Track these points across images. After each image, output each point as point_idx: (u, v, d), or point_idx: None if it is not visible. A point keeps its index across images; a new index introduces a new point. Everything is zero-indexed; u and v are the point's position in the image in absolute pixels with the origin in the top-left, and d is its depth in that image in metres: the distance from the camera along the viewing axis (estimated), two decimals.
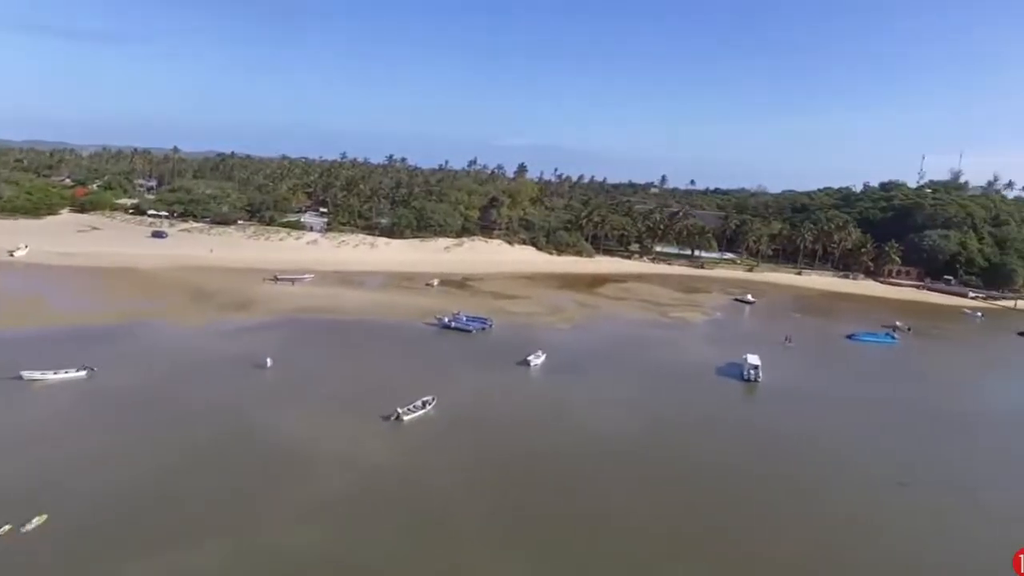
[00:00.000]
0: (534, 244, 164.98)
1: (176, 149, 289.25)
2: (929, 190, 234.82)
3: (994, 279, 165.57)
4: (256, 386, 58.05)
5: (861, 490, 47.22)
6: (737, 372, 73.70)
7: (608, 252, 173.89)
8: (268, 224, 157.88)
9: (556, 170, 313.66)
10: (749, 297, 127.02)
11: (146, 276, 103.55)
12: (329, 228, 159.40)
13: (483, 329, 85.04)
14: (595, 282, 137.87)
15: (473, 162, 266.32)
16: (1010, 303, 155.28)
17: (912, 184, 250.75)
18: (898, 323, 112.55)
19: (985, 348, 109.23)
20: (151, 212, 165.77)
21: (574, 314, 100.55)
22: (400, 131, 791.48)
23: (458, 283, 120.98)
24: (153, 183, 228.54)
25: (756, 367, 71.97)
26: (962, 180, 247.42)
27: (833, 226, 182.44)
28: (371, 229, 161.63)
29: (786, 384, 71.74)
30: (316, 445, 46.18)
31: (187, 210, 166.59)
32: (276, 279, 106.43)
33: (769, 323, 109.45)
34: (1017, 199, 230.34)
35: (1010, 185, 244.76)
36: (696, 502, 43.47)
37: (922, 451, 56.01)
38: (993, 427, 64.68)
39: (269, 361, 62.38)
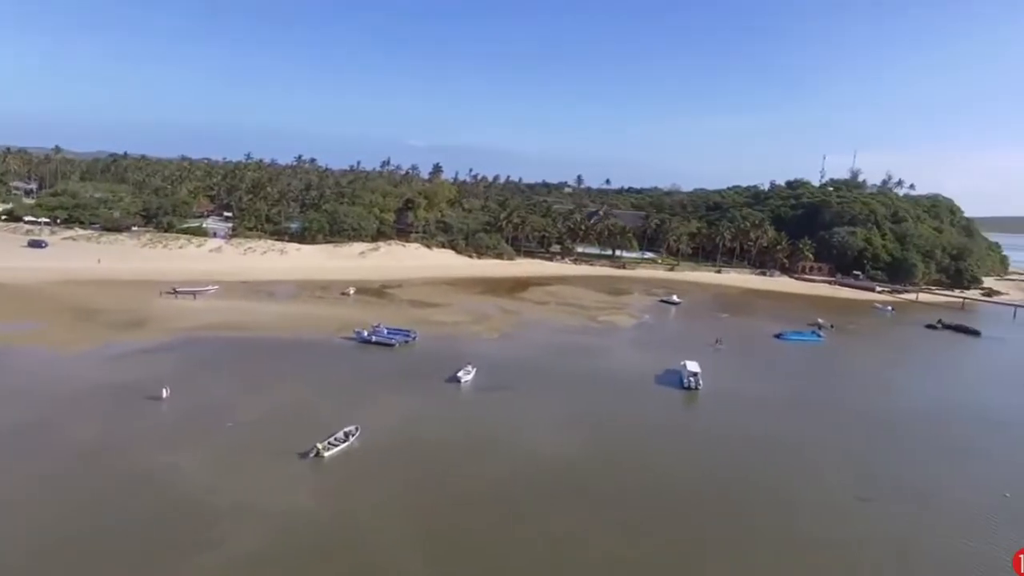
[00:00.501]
0: (453, 247, 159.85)
1: (58, 148, 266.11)
2: (832, 188, 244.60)
3: (897, 274, 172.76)
4: (150, 422, 50.48)
5: (830, 503, 44.88)
6: (676, 380, 71.18)
7: (529, 254, 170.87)
8: (166, 231, 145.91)
9: (471, 170, 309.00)
10: (675, 298, 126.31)
11: (20, 292, 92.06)
12: (234, 234, 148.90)
13: (406, 342, 79.33)
14: (518, 286, 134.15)
15: (386, 163, 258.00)
16: (912, 296, 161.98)
17: (816, 183, 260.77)
18: (820, 321, 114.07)
19: (901, 342, 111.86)
20: (28, 218, 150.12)
21: (501, 322, 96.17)
22: (308, 131, 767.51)
23: (376, 291, 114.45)
24: (33, 186, 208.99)
25: (696, 374, 69.61)
26: (861, 179, 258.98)
27: (749, 224, 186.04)
28: (280, 235, 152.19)
29: (726, 390, 69.66)
30: (223, 494, 39.61)
31: (72, 216, 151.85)
32: (175, 292, 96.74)
33: (697, 324, 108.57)
34: (907, 196, 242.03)
35: (900, 183, 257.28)
36: (652, 526, 39.80)
37: (877, 457, 54.34)
38: (933, 425, 64.39)
39: (166, 391, 54.65)
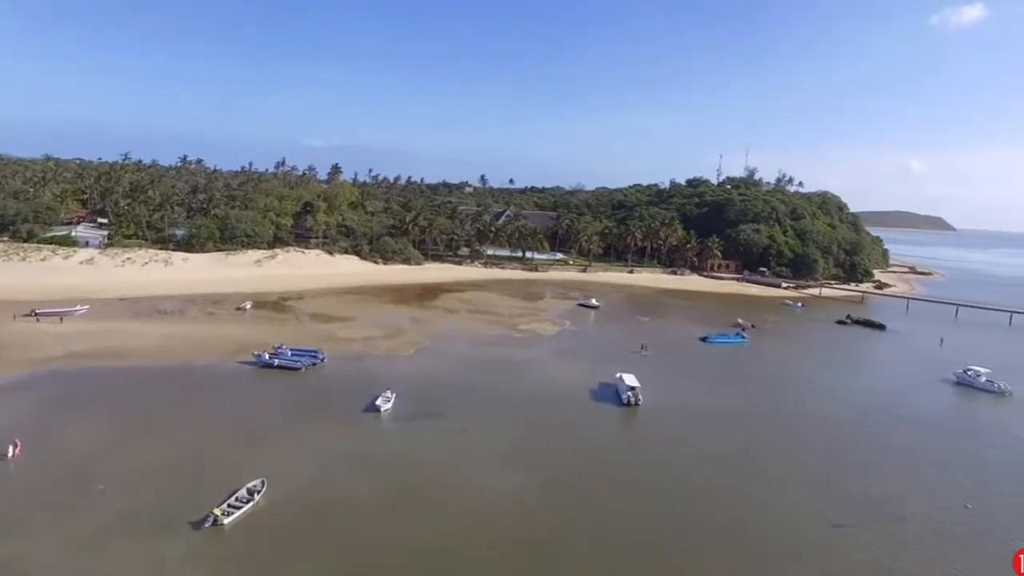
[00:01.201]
0: (357, 253, 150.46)
1: None
2: (730, 186, 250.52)
3: (800, 269, 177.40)
4: None
5: (804, 536, 40.82)
6: (613, 395, 66.59)
7: (437, 258, 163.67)
8: (26, 240, 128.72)
9: (371, 171, 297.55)
10: (593, 301, 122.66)
11: None
12: (110, 243, 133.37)
13: (314, 364, 70.77)
14: (429, 293, 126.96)
15: (281, 163, 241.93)
16: (816, 291, 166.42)
17: (714, 181, 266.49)
18: (741, 321, 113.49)
19: (818, 340, 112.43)
20: None
21: (416, 335, 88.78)
22: (192, 130, 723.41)
23: (275, 304, 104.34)
24: None
25: (634, 388, 65.11)
26: (757, 177, 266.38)
27: (659, 224, 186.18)
28: (164, 243, 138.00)
29: (666, 404, 65.56)
30: None
31: None
32: (35, 315, 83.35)
33: (619, 329, 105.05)
34: (799, 194, 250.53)
35: (791, 181, 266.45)
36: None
37: (833, 471, 51.30)
38: (873, 430, 62.56)
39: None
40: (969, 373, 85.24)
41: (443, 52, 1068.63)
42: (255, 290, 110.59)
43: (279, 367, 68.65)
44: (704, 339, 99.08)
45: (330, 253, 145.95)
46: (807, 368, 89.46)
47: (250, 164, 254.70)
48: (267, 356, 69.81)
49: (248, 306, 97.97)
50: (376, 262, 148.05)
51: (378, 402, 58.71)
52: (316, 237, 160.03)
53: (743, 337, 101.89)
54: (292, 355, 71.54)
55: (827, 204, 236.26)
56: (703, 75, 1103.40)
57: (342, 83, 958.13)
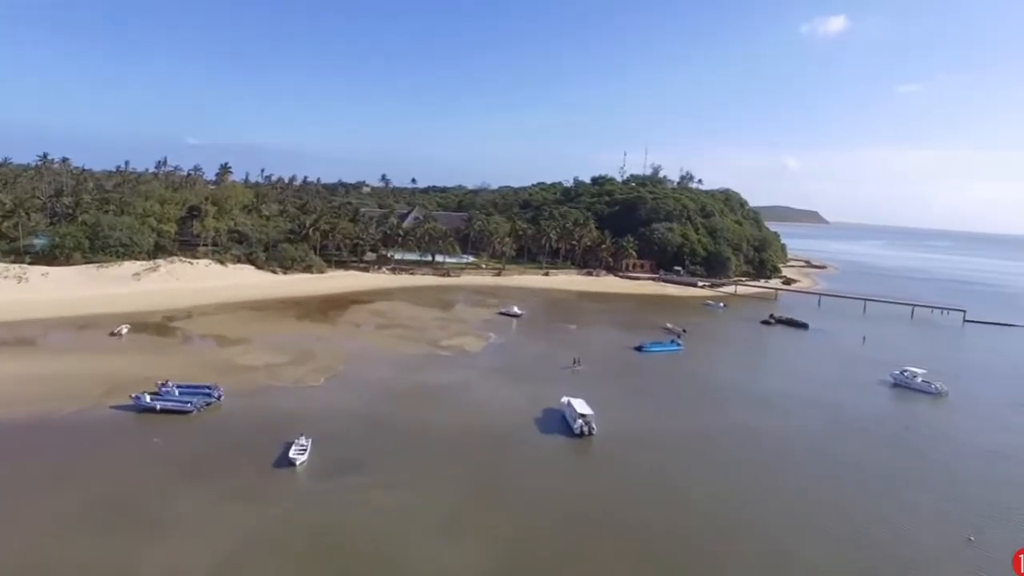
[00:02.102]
0: (253, 262, 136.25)
1: None
2: (634, 183, 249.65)
3: (714, 267, 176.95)
4: None
5: None
6: (562, 424, 59.26)
7: (341, 265, 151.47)
8: None
9: (263, 171, 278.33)
10: (515, 309, 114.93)
11: None
12: None
13: (208, 404, 59.21)
14: (336, 305, 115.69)
15: (163, 163, 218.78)
16: (731, 289, 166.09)
17: (619, 178, 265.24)
18: (670, 325, 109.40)
19: (749, 343, 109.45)
20: None
21: (327, 359, 78.02)
22: (61, 126, 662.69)
23: (158, 326, 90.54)
24: None
25: (586, 416, 57.81)
26: (661, 175, 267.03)
27: (573, 223, 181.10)
28: (19, 255, 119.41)
29: (620, 431, 58.68)
30: None
31: None
32: None
33: (547, 340, 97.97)
34: (700, 190, 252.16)
35: (691, 178, 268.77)
36: None
37: (821, 504, 45.90)
38: (840, 446, 58.26)
39: None
40: (906, 374, 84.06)
41: (335, 50, 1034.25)
42: (134, 309, 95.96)
43: (164, 411, 56.80)
44: (639, 348, 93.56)
45: (222, 263, 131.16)
46: (750, 377, 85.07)
47: (126, 164, 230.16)
48: (148, 398, 57.69)
49: (125, 330, 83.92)
50: (275, 271, 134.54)
51: (292, 453, 48.60)
52: (205, 245, 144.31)
53: (678, 344, 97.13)
54: (181, 394, 59.75)
55: (730, 201, 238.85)
56: (588, 76, 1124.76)
57: (227, 79, 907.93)
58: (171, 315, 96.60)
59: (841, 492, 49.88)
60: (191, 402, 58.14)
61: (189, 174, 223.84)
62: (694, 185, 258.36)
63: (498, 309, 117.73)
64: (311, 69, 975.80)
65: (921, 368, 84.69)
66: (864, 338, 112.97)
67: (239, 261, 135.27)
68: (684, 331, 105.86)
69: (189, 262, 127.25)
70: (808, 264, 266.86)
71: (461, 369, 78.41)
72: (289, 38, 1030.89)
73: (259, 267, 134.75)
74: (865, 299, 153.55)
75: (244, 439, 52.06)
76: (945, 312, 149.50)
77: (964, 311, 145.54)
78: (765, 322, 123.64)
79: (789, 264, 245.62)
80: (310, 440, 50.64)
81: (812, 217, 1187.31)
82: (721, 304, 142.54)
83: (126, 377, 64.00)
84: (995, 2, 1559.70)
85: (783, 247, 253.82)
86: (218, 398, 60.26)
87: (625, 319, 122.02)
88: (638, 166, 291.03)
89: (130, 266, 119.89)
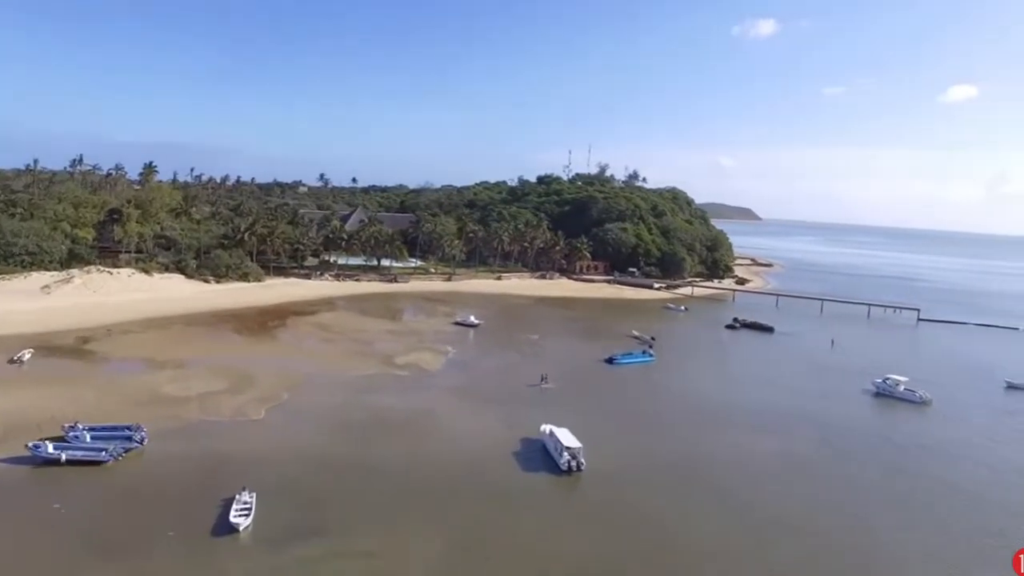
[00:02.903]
0: (182, 270, 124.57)
1: None
2: (581, 183, 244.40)
3: (669, 268, 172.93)
4: None
5: None
6: (544, 458, 52.32)
7: (280, 271, 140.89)
8: None
9: (193, 170, 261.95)
10: (472, 319, 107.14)
11: None
12: None
13: (127, 451, 49.41)
14: (276, 317, 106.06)
15: (78, 161, 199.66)
16: (688, 290, 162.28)
17: (564, 177, 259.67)
18: (637, 333, 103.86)
19: (718, 350, 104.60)
20: None
21: (269, 383, 68.74)
22: None
23: (71, 349, 79.27)
24: None
25: (572, 450, 50.82)
26: (608, 173, 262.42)
27: (525, 224, 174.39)
28: None
29: (610, 464, 51.91)
30: None
31: None
32: None
33: (510, 352, 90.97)
34: (646, 189, 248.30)
35: (637, 176, 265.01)
36: None
37: (851, 549, 40.18)
38: (844, 469, 53.10)
39: None
40: (888, 383, 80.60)
41: (263, 47, 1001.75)
42: (41, 329, 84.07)
43: (71, 462, 47.04)
44: (610, 360, 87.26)
45: (147, 272, 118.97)
46: (729, 390, 79.53)
47: (35, 162, 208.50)
48: (50, 447, 47.60)
49: (27, 355, 72.24)
50: (207, 281, 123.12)
51: (233, 515, 39.92)
52: (128, 251, 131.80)
53: (650, 355, 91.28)
54: (93, 439, 49.98)
55: (678, 200, 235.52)
56: (524, 74, 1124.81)
57: (154, 74, 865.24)
58: (86, 335, 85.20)
59: (867, 533, 44.25)
60: (106, 449, 48.35)
61: (110, 174, 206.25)
62: (639, 184, 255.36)
63: (453, 318, 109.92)
64: (243, 66, 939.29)
65: (902, 376, 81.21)
66: (832, 342, 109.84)
67: (167, 270, 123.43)
68: (653, 340, 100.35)
69: (109, 272, 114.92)
70: (755, 262, 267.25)
71: (421, 391, 70.36)
72: (224, 32, 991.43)
73: (189, 276, 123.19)
74: (822, 299, 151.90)
75: (173, 496, 43.10)
76: (898, 311, 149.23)
77: (918, 310, 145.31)
78: (730, 326, 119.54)
79: (737, 263, 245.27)
80: (254, 496, 42.07)
81: (746, 214, 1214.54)
82: (682, 307, 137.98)
83: (23, 418, 53.69)
84: (908, 9, 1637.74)
85: (730, 246, 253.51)
86: (140, 442, 50.63)
87: (587, 326, 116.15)
88: (581, 165, 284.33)
89: (38, 278, 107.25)
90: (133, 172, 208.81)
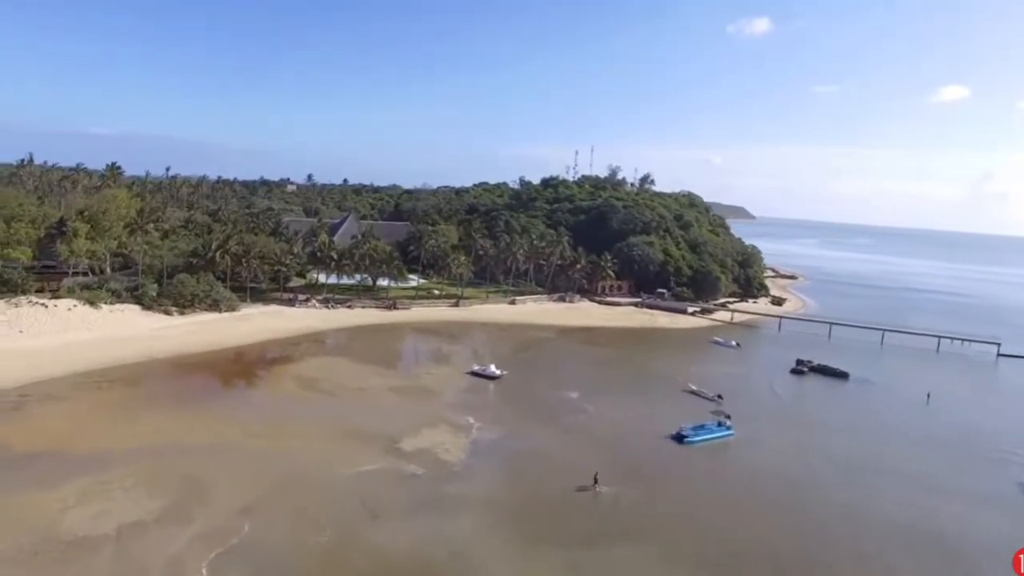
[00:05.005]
0: (138, 300, 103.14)
1: None
2: (589, 185, 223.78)
3: (702, 288, 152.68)
4: None
5: None
6: None
7: (259, 296, 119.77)
8: None
9: (169, 169, 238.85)
10: (492, 368, 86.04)
11: None
12: None
13: None
14: (252, 366, 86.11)
15: (27, 160, 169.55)
16: (725, 315, 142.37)
17: (570, 179, 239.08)
18: (694, 387, 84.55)
19: (801, 412, 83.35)
20: None
21: (227, 497, 47.90)
22: None
23: None
24: None
25: None
26: (620, 176, 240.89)
27: (540, 238, 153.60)
28: None
29: None
30: None
31: None
32: None
33: (545, 425, 69.95)
34: (659, 193, 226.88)
35: (650, 180, 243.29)
36: None
37: None
38: None
39: None
40: None
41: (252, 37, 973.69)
42: None
43: None
44: (678, 438, 67.13)
45: (93, 303, 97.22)
46: (851, 488, 58.69)
47: None
48: None
49: None
50: (168, 313, 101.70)
51: None
52: (76, 272, 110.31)
53: (726, 426, 70.97)
54: None
55: (696, 206, 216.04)
56: (521, 67, 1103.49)
57: (143, 62, 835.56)
58: None
59: None
60: None
61: (72, 173, 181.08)
62: (649, 187, 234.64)
63: (468, 365, 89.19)
64: (230, 55, 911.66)
65: None
66: (928, 396, 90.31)
67: (119, 299, 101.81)
68: (720, 399, 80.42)
69: (43, 304, 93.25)
70: (777, 273, 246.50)
71: (443, 511, 49.56)
72: (210, 22, 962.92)
73: (147, 307, 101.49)
74: (883, 329, 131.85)
75: None
76: (971, 343, 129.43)
77: (998, 344, 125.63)
78: (796, 371, 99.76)
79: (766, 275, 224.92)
80: None
81: (740, 213, 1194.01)
82: (733, 342, 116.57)
83: None
84: (895, 13, 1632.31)
85: (763, 260, 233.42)
86: None
87: (629, 372, 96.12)
88: (581, 165, 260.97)
89: None
90: (130, 165, 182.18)
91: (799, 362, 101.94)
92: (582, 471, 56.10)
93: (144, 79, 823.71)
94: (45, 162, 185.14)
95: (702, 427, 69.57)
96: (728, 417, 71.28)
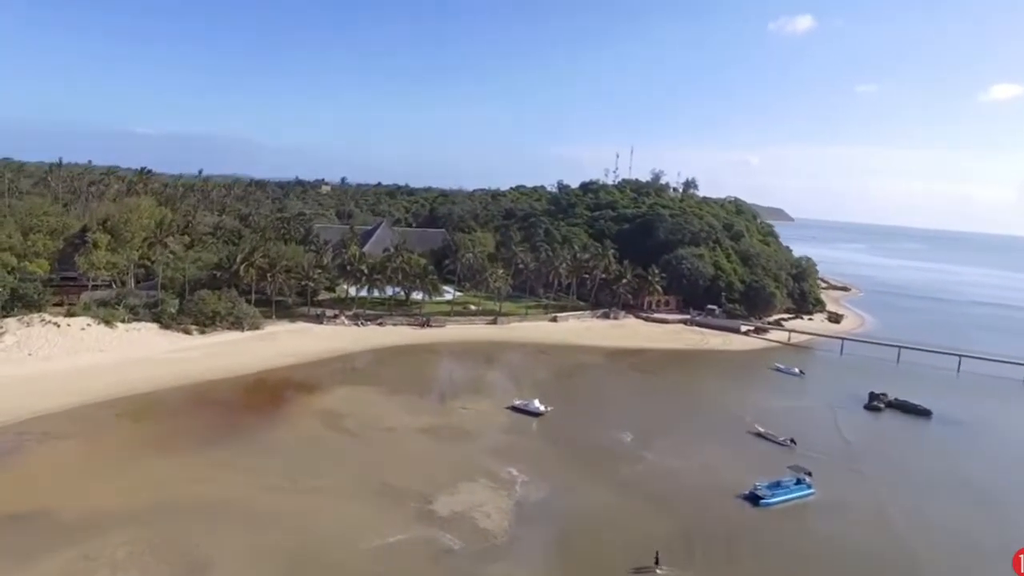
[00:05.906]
0: (156, 317, 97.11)
1: None
2: (631, 191, 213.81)
3: (755, 304, 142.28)
4: None
5: None
6: None
7: (285, 311, 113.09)
8: None
9: (201, 171, 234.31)
10: (536, 404, 77.72)
11: None
12: None
13: None
14: (272, 397, 79.39)
15: (56, 165, 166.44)
16: (783, 335, 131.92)
17: (610, 182, 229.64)
18: (761, 429, 74.98)
19: (882, 460, 72.86)
20: None
21: None
22: None
23: None
24: None
25: None
26: (663, 181, 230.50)
27: (583, 250, 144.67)
28: None
29: None
30: None
31: None
32: None
33: (595, 476, 61.52)
34: (710, 200, 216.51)
35: (694, 185, 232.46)
36: None
37: None
38: None
39: None
40: None
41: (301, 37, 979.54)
42: None
43: None
44: (754, 499, 58.13)
45: (108, 322, 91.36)
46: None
47: None
48: None
49: None
50: (188, 332, 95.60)
51: None
52: (95, 286, 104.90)
53: (806, 484, 61.61)
54: None
55: (743, 214, 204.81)
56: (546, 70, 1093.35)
57: (185, 62, 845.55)
58: None
59: None
60: None
61: (104, 176, 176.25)
62: (694, 193, 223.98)
63: (508, 398, 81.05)
64: (273, 54, 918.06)
65: None
66: None
67: (137, 317, 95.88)
68: (794, 443, 71.12)
69: (56, 324, 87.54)
70: (828, 284, 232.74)
71: None
72: (254, 24, 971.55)
73: (165, 326, 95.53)
74: (959, 355, 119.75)
75: None
76: None
77: None
78: (871, 407, 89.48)
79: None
80: None
81: (778, 215, 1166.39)
82: (796, 369, 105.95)
83: None
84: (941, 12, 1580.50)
85: (817, 272, 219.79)
86: None
87: (686, 405, 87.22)
88: (621, 168, 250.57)
89: None
90: (163, 165, 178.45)
91: (873, 396, 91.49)
92: (641, 545, 47.73)
93: (188, 80, 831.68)
94: (89, 161, 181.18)
95: (778, 485, 60.26)
96: (809, 474, 61.85)
